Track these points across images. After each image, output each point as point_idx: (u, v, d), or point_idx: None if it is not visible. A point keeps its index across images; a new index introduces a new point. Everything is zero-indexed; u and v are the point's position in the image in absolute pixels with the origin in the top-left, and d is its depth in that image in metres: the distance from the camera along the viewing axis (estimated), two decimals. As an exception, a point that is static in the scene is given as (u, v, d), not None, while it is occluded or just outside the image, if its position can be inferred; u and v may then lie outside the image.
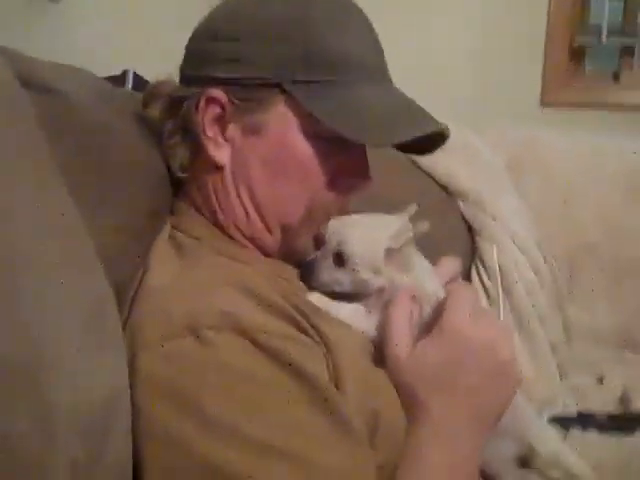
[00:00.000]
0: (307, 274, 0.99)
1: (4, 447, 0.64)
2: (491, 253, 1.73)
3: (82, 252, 0.81)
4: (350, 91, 0.96)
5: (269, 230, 1.01)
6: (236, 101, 0.97)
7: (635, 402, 1.60)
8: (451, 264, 1.05)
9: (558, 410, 1.53)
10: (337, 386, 0.87)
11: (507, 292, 1.73)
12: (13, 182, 0.72)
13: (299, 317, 0.90)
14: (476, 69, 2.64)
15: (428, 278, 0.99)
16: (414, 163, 1.76)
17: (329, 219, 1.00)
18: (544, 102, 2.66)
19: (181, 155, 1.02)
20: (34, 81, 0.90)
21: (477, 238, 1.77)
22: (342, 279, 0.98)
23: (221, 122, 0.99)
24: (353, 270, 0.97)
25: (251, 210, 1.00)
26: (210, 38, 1.00)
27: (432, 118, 0.99)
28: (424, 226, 0.99)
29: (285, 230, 1.01)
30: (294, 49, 0.95)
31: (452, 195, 1.80)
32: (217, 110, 0.98)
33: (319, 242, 1.01)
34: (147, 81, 1.73)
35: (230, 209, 1.01)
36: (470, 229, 1.79)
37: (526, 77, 2.65)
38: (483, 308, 0.97)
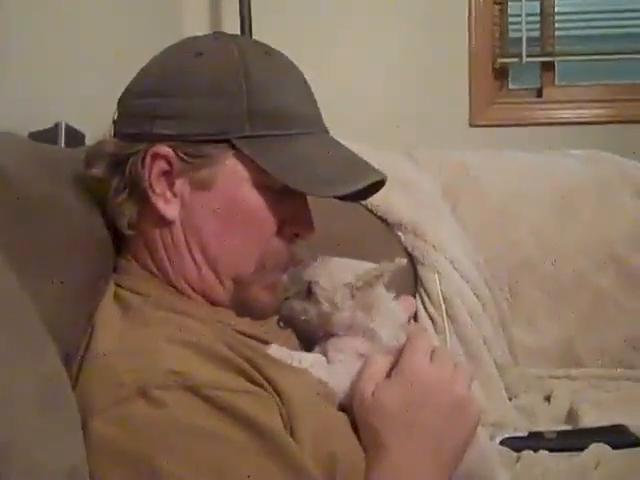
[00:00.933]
0: (284, 304, 1.06)
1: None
2: (433, 281, 1.76)
3: (32, 332, 0.80)
4: (294, 144, 1.00)
5: (221, 282, 1.02)
6: (184, 157, 0.99)
7: (582, 417, 1.64)
8: (408, 303, 1.08)
9: (509, 432, 1.56)
10: (292, 433, 0.89)
11: (452, 319, 1.75)
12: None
13: (248, 368, 0.92)
14: (404, 96, 2.69)
15: (388, 323, 1.02)
16: (351, 197, 1.78)
17: (280, 269, 1.04)
18: (472, 122, 2.72)
19: (129, 212, 1.02)
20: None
21: (419, 267, 1.79)
22: (308, 309, 1.03)
23: (168, 178, 1.00)
24: (318, 302, 1.02)
25: (202, 263, 1.02)
26: (149, 95, 1.01)
27: (373, 168, 1.03)
28: (402, 262, 1.05)
29: (237, 281, 1.03)
30: (238, 105, 0.98)
31: (391, 226, 1.82)
32: (164, 166, 0.99)
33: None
34: (80, 132, 1.72)
35: (180, 264, 1.02)
36: (411, 259, 1.81)
37: (453, 100, 2.71)
38: (441, 349, 1.00)
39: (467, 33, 2.69)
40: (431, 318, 1.75)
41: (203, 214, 1.00)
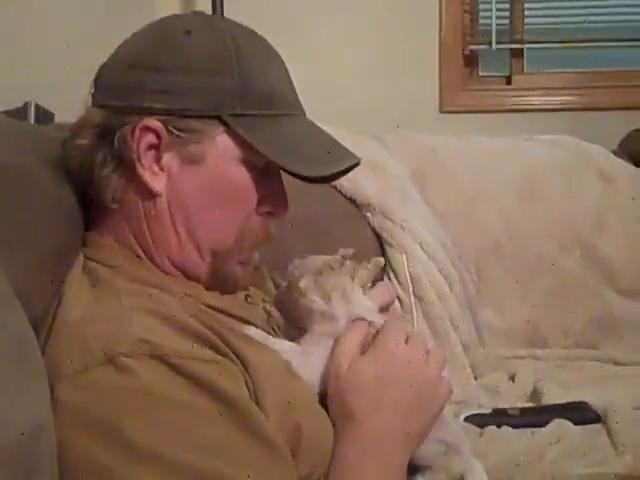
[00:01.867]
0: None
1: None
2: (401, 262, 1.78)
3: (0, 292, 0.81)
4: (281, 125, 1.04)
5: (201, 256, 1.04)
6: (175, 131, 1.00)
7: (545, 396, 1.67)
8: (385, 289, 1.09)
9: (474, 409, 1.58)
10: (257, 403, 0.91)
11: (419, 298, 1.78)
12: None
13: (215, 338, 0.93)
14: (375, 82, 2.70)
15: (349, 308, 1.04)
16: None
17: (254, 246, 1.08)
18: (443, 109, 2.74)
19: (114, 185, 1.02)
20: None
21: (387, 248, 1.82)
22: (284, 299, 1.08)
23: (156, 151, 1.01)
24: (289, 291, 1.06)
25: (185, 237, 1.03)
26: (139, 68, 1.01)
27: (349, 151, 1.08)
28: (380, 261, 1.08)
29: (216, 256, 1.05)
30: (230, 83, 1.01)
31: (359, 207, 1.84)
32: (152, 139, 1.01)
33: None
34: (49, 112, 1.71)
35: (163, 238, 1.03)
36: (379, 239, 1.83)
37: (423, 86, 2.72)
38: (416, 334, 1.03)
39: (438, 19, 2.70)
40: (399, 298, 1.78)
41: (190, 188, 1.02)
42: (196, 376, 0.87)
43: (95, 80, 1.06)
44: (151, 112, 1.00)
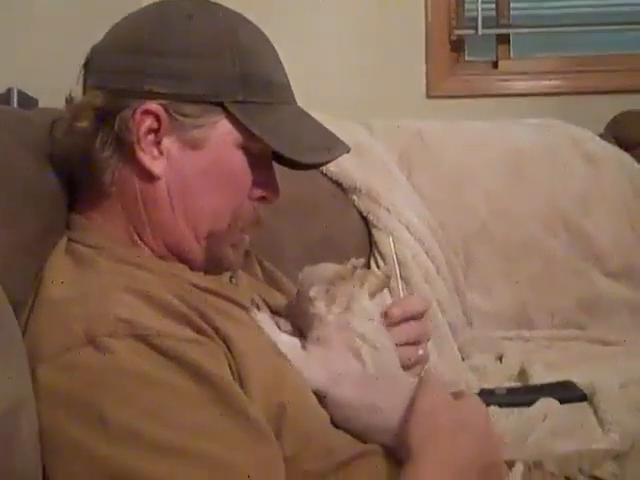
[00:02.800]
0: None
1: None
2: (388, 244, 1.78)
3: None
4: (279, 112, 1.05)
5: (197, 239, 1.05)
6: (176, 116, 1.00)
7: (532, 376, 1.67)
8: (417, 301, 1.14)
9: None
10: (241, 383, 0.91)
11: (406, 281, 1.78)
12: None
13: (197, 318, 0.93)
14: (361, 68, 2.68)
15: (363, 320, 1.04)
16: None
17: (245, 229, 1.09)
18: (430, 94, 2.73)
19: (113, 168, 1.02)
20: None
21: (373, 230, 1.82)
22: (294, 307, 1.09)
23: (155, 135, 1.01)
24: (299, 298, 1.07)
25: (182, 220, 1.03)
26: (140, 52, 1.01)
27: (340, 139, 1.10)
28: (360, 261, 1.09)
29: (211, 238, 1.05)
30: (232, 70, 1.01)
31: (346, 191, 1.83)
32: (152, 123, 1.00)
33: None
34: (33, 98, 1.70)
35: (160, 221, 1.03)
36: (366, 222, 1.83)
37: (410, 71, 2.71)
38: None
39: (424, 5, 2.68)
40: (386, 281, 1.77)
41: (190, 173, 1.02)
42: (177, 355, 0.86)
43: (88, 62, 1.05)
44: (152, 96, 0.99)
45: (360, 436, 0.98)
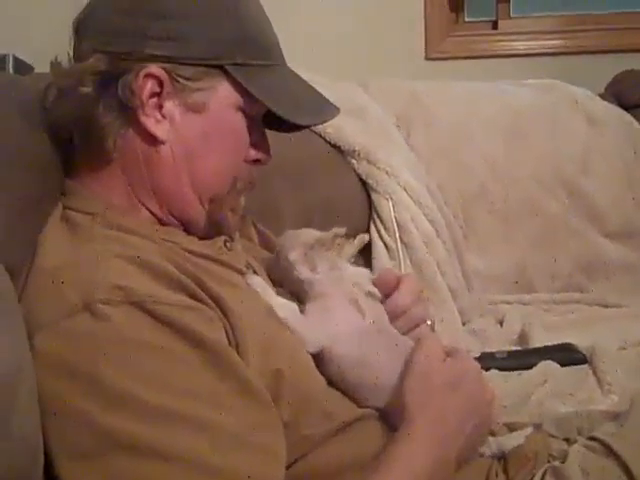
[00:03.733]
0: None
1: None
2: (387, 207, 1.78)
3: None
4: (275, 74, 1.06)
5: (202, 203, 1.05)
6: (178, 79, 0.99)
7: (533, 339, 1.68)
8: (389, 273, 1.13)
9: (462, 353, 1.59)
10: (237, 349, 0.91)
11: (406, 244, 1.77)
12: None
13: (192, 284, 0.93)
14: (359, 30, 2.66)
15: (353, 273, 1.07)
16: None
17: (243, 190, 1.09)
18: (428, 55, 2.71)
19: (116, 133, 1.00)
20: None
21: (372, 194, 1.81)
22: (275, 268, 1.12)
23: (158, 99, 1.00)
24: (279, 260, 1.10)
25: (187, 184, 1.03)
26: (139, 15, 0.99)
27: (332, 104, 1.11)
28: (365, 238, 1.14)
29: (213, 202, 1.05)
30: (231, 33, 1.01)
31: (344, 154, 1.82)
32: (155, 87, 0.99)
33: None
34: (29, 65, 1.69)
35: (164, 185, 1.03)
36: (365, 186, 1.82)
37: (409, 33, 2.68)
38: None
39: (422, -36, 2.66)
40: (385, 244, 1.77)
41: (193, 135, 1.02)
42: (172, 321, 0.87)
43: (80, 24, 1.03)
44: (153, 59, 0.98)
45: (356, 396, 0.99)
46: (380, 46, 2.64)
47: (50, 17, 1.70)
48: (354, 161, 1.82)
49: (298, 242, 1.07)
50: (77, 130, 1.04)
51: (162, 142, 1.01)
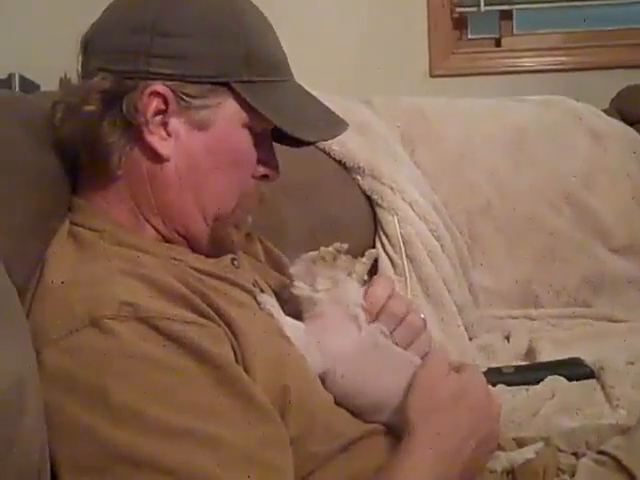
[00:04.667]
0: None
1: None
2: (393, 223, 1.78)
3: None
4: (282, 90, 1.05)
5: (206, 221, 1.04)
6: (183, 97, 0.99)
7: (540, 354, 1.68)
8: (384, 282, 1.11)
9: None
10: (244, 366, 0.91)
11: (411, 260, 1.78)
12: None
13: (198, 300, 0.93)
14: (364, 47, 2.68)
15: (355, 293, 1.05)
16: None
17: (250, 207, 1.09)
18: (432, 73, 2.72)
19: (121, 151, 1.00)
20: None
21: (378, 210, 1.82)
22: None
23: (163, 117, 1.00)
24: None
25: (191, 202, 1.03)
26: (143, 32, 1.00)
27: (342, 119, 1.10)
28: (374, 253, 1.14)
29: (218, 219, 1.05)
30: (236, 49, 1.01)
31: (349, 170, 1.83)
32: (160, 105, 0.99)
33: None
34: (35, 83, 1.70)
35: (168, 203, 1.03)
36: (370, 201, 1.83)
37: (413, 50, 2.70)
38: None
39: (426, -18, 2.68)
40: (391, 260, 1.78)
41: (198, 153, 1.02)
42: (179, 337, 0.87)
43: (87, 42, 1.04)
44: (158, 77, 0.99)
45: (361, 413, 0.99)
46: (384, 63, 2.66)
47: (55, 36, 1.71)
48: (359, 177, 1.83)
49: (301, 258, 1.07)
50: (83, 147, 1.04)
51: (167, 160, 1.01)
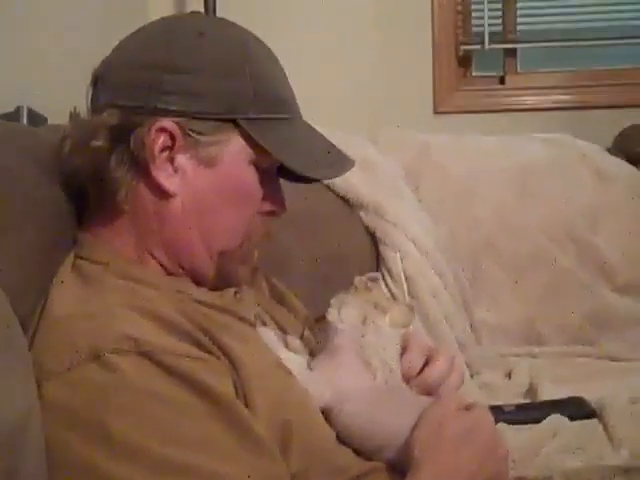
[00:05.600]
0: None
1: None
2: (395, 260, 1.79)
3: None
4: (289, 128, 1.07)
5: (211, 257, 1.06)
6: (190, 133, 1.01)
7: (542, 392, 1.67)
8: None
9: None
10: (245, 401, 0.91)
11: (414, 297, 1.78)
12: None
13: (201, 336, 0.94)
14: (367, 83, 2.69)
15: (378, 336, 1.05)
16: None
17: (256, 243, 1.10)
18: (437, 109, 2.74)
19: (127, 186, 1.02)
20: None
21: (381, 246, 1.82)
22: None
23: (169, 153, 1.02)
24: None
25: (197, 238, 1.04)
26: (153, 69, 1.01)
27: (348, 157, 1.12)
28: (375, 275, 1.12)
29: (223, 255, 1.06)
30: (244, 87, 1.03)
31: (353, 206, 1.84)
32: (167, 141, 1.01)
33: None
34: (42, 116, 1.72)
35: (174, 239, 1.04)
36: (373, 238, 1.83)
37: (417, 87, 2.72)
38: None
39: (430, 20, 2.70)
40: (393, 296, 1.78)
41: (205, 190, 1.03)
42: (181, 373, 0.87)
43: (97, 78, 1.06)
44: (165, 113, 1.00)
45: (367, 453, 0.98)
46: (388, 100, 2.67)
47: (64, 69, 1.73)
48: (362, 213, 1.84)
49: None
50: (90, 182, 1.05)
51: (173, 195, 1.03)
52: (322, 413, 1.00)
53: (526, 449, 1.37)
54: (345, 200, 1.84)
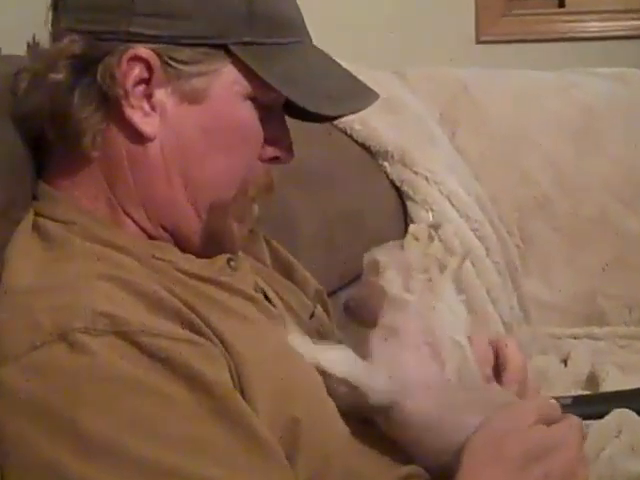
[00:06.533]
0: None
1: None
2: (426, 220, 1.78)
3: None
4: (293, 55, 1.04)
5: (197, 212, 1.04)
6: (171, 62, 0.99)
7: (604, 382, 1.67)
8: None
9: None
10: (243, 394, 0.91)
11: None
12: None
13: (190, 313, 0.93)
14: (399, 11, 2.69)
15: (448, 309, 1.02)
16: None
17: (256, 196, 1.08)
18: (479, 38, 2.73)
19: (95, 129, 1.00)
20: None
21: (409, 204, 1.82)
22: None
23: (146, 87, 1.00)
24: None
25: (180, 190, 1.03)
26: None
27: (370, 89, 1.08)
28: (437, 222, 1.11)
29: (214, 211, 1.05)
30: (237, 5, 1.00)
31: (375, 155, 1.84)
32: (142, 73, 0.99)
33: None
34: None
35: (151, 191, 1.03)
36: (400, 193, 1.83)
37: (456, 11, 2.71)
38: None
39: None
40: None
41: (189, 131, 1.02)
42: (167, 357, 0.87)
43: None
44: (140, 39, 0.99)
45: (426, 457, 0.97)
46: (422, 28, 2.67)
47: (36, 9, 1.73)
48: (386, 164, 1.84)
49: (381, 246, 1.03)
50: (51, 124, 1.04)
51: (151, 139, 1.01)
52: (377, 409, 0.98)
53: (585, 450, 1.37)
54: (365, 148, 1.84)
